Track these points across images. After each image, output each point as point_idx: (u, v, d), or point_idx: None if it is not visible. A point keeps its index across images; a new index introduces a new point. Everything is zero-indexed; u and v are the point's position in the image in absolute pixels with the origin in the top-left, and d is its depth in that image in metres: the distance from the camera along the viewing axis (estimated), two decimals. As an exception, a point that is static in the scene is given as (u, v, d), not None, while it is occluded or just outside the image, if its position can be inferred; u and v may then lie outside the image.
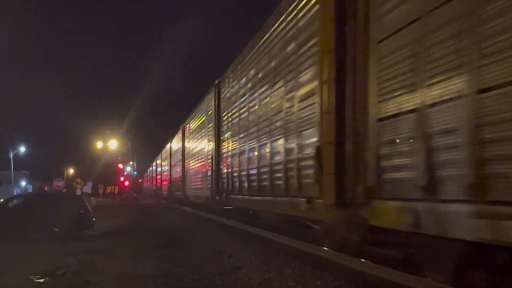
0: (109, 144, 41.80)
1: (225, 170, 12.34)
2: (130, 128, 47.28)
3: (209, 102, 15.09)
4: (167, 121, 49.52)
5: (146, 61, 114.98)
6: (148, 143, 56.25)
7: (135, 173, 64.39)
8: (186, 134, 21.55)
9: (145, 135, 60.20)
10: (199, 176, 16.90)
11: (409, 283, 4.81)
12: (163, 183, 34.95)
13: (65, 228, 11.00)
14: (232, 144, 11.61)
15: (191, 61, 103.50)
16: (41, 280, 6.18)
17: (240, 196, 10.73)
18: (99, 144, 42.20)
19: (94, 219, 12.39)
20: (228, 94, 12.39)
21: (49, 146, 74.10)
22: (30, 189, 50.08)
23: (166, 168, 31.84)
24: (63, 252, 8.62)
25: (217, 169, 13.29)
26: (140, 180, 70.63)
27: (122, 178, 47.71)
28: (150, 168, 53.71)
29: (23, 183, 55.41)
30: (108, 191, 49.20)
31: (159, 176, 39.47)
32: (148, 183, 57.61)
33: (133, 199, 42.77)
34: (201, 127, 17.12)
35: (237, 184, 10.90)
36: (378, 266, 5.52)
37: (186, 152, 21.41)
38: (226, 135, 12.49)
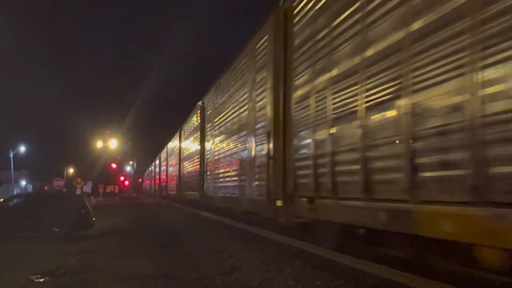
0: (109, 143, 41.82)
1: (310, 152, 6.77)
2: (130, 128, 47.40)
3: (262, 42, 9.40)
4: (167, 120, 49.48)
5: (146, 61, 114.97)
6: (148, 142, 56.31)
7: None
8: (209, 111, 15.83)
9: (145, 135, 60.18)
10: (236, 167, 11.37)
11: (409, 283, 4.82)
12: (170, 182, 30.72)
13: (65, 227, 10.99)
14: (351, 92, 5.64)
15: (191, 60, 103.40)
16: (41, 280, 6.17)
17: (369, 204, 5.14)
18: (99, 144, 42.23)
19: (94, 218, 12.39)
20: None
21: (49, 146, 74.05)
22: (30, 188, 50.12)
23: (174, 162, 27.32)
24: (63, 251, 8.62)
25: (281, 152, 8.03)
26: (140, 180, 70.69)
27: (122, 178, 47.81)
28: (151, 168, 53.64)
29: (23, 183, 55.45)
30: (108, 190, 49.34)
31: (163, 174, 36.25)
32: (149, 182, 57.53)
33: (133, 198, 42.80)
34: (240, 88, 11.34)
35: (358, 177, 5.31)
36: (378, 266, 5.51)
37: (207, 134, 16.04)
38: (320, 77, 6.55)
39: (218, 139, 13.97)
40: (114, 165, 46.10)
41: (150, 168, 56.04)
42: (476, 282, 4.23)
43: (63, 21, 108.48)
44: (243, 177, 10.58)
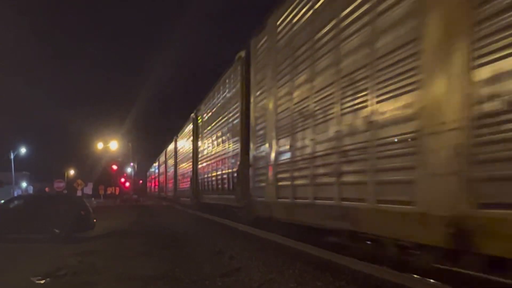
0: (110, 145, 41.81)
1: (264, 162, 8.85)
2: (131, 129, 47.37)
3: (234, 75, 11.84)
4: (168, 121, 49.59)
5: (147, 63, 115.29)
6: (150, 143, 56.33)
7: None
8: (200, 123, 17.10)
9: (146, 136, 60.30)
10: (216, 174, 13.75)
11: (410, 284, 4.81)
12: (169, 185, 27.55)
13: (66, 229, 10.99)
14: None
15: (190, 63, 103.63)
16: (42, 281, 6.17)
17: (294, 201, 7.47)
18: (99, 145, 42.22)
19: (95, 220, 12.39)
20: None
21: (49, 147, 74.29)
22: (30, 190, 50.10)
23: (171, 166, 25.70)
24: (64, 253, 8.62)
25: (246, 162, 10.00)
26: (141, 181, 70.62)
27: (122, 179, 47.79)
28: (152, 170, 53.53)
29: (24, 184, 55.42)
30: (109, 192, 49.24)
31: (162, 177, 34.51)
32: (150, 184, 57.38)
33: (134, 200, 42.74)
34: (221, 107, 13.29)
35: (290, 183, 7.70)
36: (379, 267, 5.51)
37: (198, 143, 16.76)
38: None
39: (205, 149, 15.84)
40: (114, 167, 46.13)
41: (151, 170, 56.05)
42: (476, 282, 4.23)
43: (65, 23, 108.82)
44: (222, 183, 12.82)
